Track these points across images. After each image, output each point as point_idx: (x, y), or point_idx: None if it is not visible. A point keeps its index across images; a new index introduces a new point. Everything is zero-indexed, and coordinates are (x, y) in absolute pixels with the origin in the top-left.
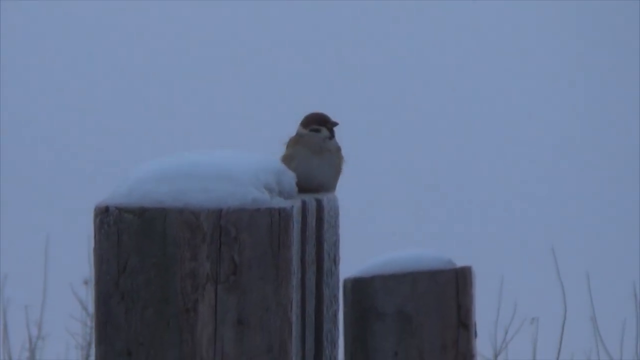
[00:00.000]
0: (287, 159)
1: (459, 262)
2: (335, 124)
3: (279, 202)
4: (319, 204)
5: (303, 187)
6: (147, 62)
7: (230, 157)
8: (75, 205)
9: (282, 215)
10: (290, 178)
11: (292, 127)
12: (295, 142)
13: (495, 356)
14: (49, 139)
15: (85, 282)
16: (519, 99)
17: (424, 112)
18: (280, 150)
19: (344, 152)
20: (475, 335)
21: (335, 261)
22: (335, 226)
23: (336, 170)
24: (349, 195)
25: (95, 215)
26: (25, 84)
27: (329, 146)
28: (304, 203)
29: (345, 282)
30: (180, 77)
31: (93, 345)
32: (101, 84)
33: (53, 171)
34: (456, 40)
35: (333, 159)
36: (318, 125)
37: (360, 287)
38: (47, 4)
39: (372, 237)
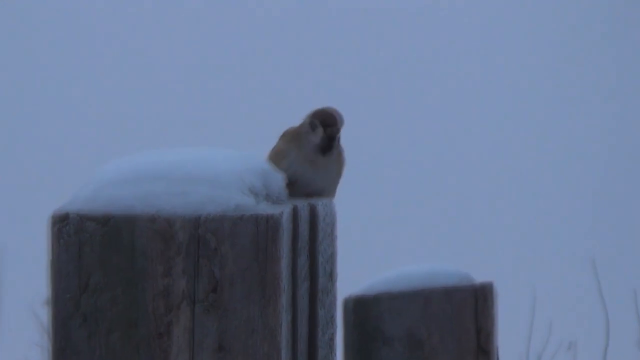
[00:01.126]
0: (279, 155)
1: (481, 278)
2: (334, 133)
3: (266, 208)
4: (313, 210)
5: (297, 192)
6: (122, 60)
7: (209, 156)
8: (35, 214)
9: (270, 223)
10: (279, 179)
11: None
12: (292, 138)
13: None
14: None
15: (47, 303)
16: (550, 107)
17: (441, 114)
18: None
19: (347, 154)
20: None
21: (332, 277)
22: (331, 236)
23: (335, 176)
24: (352, 202)
25: (53, 224)
26: None
27: (323, 160)
28: (295, 209)
29: (346, 301)
30: (163, 75)
31: None
32: (67, 82)
33: (9, 173)
34: (464, 43)
35: (330, 167)
36: (319, 123)
37: (363, 307)
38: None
39: (377, 249)
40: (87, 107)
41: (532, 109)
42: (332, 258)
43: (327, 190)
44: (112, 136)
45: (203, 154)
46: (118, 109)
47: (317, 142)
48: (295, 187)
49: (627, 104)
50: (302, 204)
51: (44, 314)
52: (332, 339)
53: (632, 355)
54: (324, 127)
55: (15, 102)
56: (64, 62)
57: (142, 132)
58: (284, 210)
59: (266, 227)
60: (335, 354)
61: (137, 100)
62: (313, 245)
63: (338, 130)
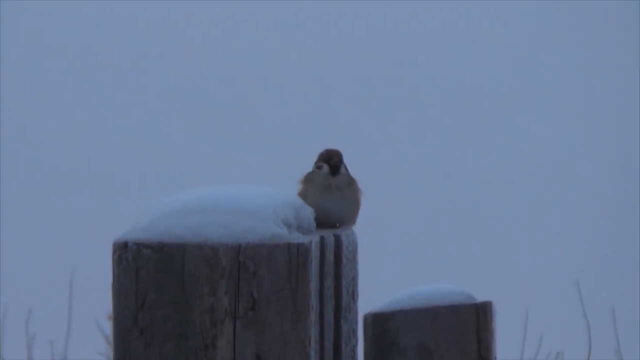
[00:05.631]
0: (301, 197)
1: (483, 296)
2: (337, 162)
3: (297, 238)
4: (338, 240)
5: (322, 223)
6: (171, 87)
7: (249, 192)
8: (101, 238)
9: (301, 251)
10: (308, 213)
11: (299, 152)
12: (307, 180)
13: None
14: (73, 167)
15: (110, 317)
16: (543, 127)
17: (441, 140)
18: (294, 182)
19: (362, 183)
20: None
21: (353, 296)
22: (353, 261)
23: (353, 203)
24: (368, 228)
25: (114, 251)
26: (36, 109)
27: (336, 183)
28: (322, 238)
29: (366, 317)
30: (197, 108)
31: None
32: (118, 112)
33: (78, 203)
34: (480, 44)
35: (346, 194)
36: (322, 162)
37: (381, 322)
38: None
39: (391, 270)
40: (146, 148)
41: (526, 137)
42: (354, 280)
43: (348, 215)
44: (165, 172)
45: (243, 190)
46: (175, 150)
47: (326, 172)
48: (320, 218)
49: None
50: (328, 234)
51: (108, 327)
52: (354, 350)
53: None
54: (327, 162)
55: (86, 143)
56: (132, 100)
57: (188, 169)
58: (312, 240)
59: (297, 254)
60: None
61: (186, 142)
62: (337, 269)
63: (338, 161)
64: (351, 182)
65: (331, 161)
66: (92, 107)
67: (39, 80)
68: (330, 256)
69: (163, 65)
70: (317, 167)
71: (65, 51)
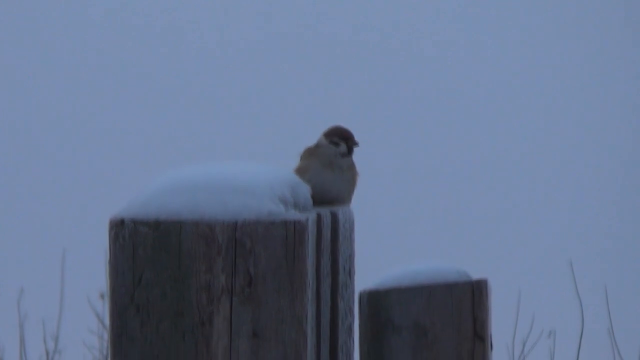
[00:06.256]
0: (301, 171)
1: (476, 275)
2: (357, 144)
3: (294, 215)
4: (334, 217)
5: (318, 200)
6: (159, 69)
7: (245, 169)
8: (92, 217)
9: (297, 228)
10: (305, 190)
11: (295, 135)
12: (310, 154)
13: None
14: (63, 148)
15: (102, 296)
16: (538, 108)
17: (439, 121)
18: (295, 161)
19: (358, 166)
20: (491, 348)
21: (350, 274)
22: (350, 239)
23: (350, 184)
24: (364, 207)
25: (110, 228)
26: (29, 88)
27: (340, 162)
28: (319, 216)
29: (361, 294)
30: (194, 88)
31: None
32: (112, 94)
33: (69, 182)
34: (482, 39)
35: (346, 176)
36: (340, 139)
37: (376, 300)
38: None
39: (386, 249)
40: (140, 126)
41: (519, 118)
42: (350, 258)
43: (344, 195)
44: (158, 150)
45: (239, 167)
46: (168, 128)
47: (342, 151)
48: (317, 195)
49: (615, 107)
50: (325, 212)
51: (100, 306)
52: (350, 327)
53: (603, 342)
54: (346, 141)
55: (78, 127)
56: (116, 84)
57: (190, 145)
58: (309, 217)
59: (294, 231)
60: (353, 340)
61: (186, 120)
62: (334, 246)
63: (355, 143)
64: (352, 165)
65: (349, 141)
66: (84, 96)
67: (31, 72)
68: (327, 233)
69: (156, 57)
70: (333, 142)
71: (56, 44)
